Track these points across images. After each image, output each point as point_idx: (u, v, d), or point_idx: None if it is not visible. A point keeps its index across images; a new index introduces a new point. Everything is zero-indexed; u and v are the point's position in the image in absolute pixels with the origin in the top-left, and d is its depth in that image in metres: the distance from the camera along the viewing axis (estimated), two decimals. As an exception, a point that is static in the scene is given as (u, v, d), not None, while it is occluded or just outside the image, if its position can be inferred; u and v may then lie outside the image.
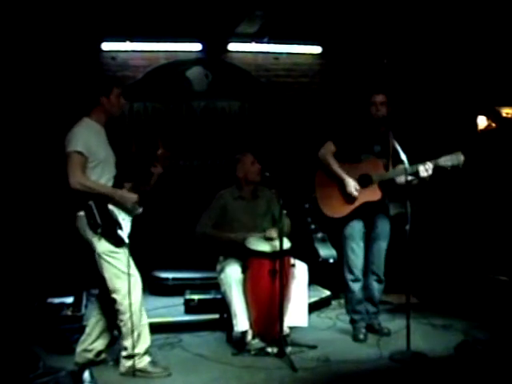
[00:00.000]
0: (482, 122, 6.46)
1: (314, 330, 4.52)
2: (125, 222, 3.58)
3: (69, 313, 4.55)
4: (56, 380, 3.09)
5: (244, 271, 4.12)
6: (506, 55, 5.87)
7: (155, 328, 4.03)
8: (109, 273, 3.53)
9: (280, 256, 3.96)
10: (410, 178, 4.03)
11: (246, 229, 4.34)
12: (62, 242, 5.27)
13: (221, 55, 6.56)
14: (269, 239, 4.17)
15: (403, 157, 3.94)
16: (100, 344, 3.73)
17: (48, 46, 5.82)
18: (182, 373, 3.66)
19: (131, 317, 3.51)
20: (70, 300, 4.78)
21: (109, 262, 3.52)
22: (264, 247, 4.12)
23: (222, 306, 4.35)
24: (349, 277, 4.40)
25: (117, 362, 3.67)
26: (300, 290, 4.21)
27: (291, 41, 6.62)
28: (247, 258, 4.12)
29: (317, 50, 6.75)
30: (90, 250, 3.55)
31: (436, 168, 4.03)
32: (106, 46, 6.20)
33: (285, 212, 4.15)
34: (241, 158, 4.50)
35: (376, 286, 4.45)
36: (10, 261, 5.11)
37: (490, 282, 5.33)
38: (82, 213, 3.50)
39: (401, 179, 4.13)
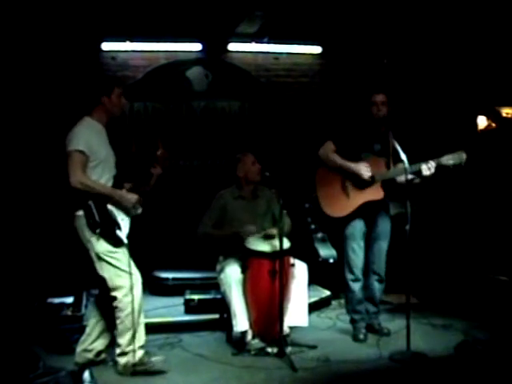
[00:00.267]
0: (482, 121, 6.46)
1: (314, 330, 4.52)
2: (124, 222, 3.58)
3: (69, 313, 4.55)
4: (56, 380, 3.09)
5: (244, 271, 4.12)
6: (506, 55, 5.87)
7: (155, 328, 4.04)
8: (109, 273, 3.54)
9: (280, 256, 3.96)
10: (411, 176, 4.03)
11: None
12: (61, 242, 5.26)
13: (221, 55, 6.57)
14: (268, 236, 4.17)
15: (403, 156, 3.94)
16: (100, 344, 3.73)
17: (48, 46, 5.82)
18: (182, 373, 3.66)
19: (130, 314, 3.51)
20: (70, 300, 4.77)
21: (108, 262, 3.52)
22: (264, 247, 4.12)
23: (222, 306, 4.35)
24: (349, 277, 4.40)
25: (116, 362, 3.67)
26: (300, 290, 4.21)
27: (291, 41, 6.62)
28: (247, 258, 4.12)
29: (317, 50, 6.75)
30: (88, 250, 3.55)
31: (438, 167, 4.03)
32: (106, 46, 6.20)
33: (285, 212, 4.15)
34: (241, 157, 4.51)
35: (377, 286, 4.44)
36: (10, 261, 5.11)
37: (490, 282, 5.33)
38: (80, 212, 3.50)
39: (401, 178, 4.13)
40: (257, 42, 6.50)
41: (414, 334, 3.90)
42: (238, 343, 4.13)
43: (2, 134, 5.58)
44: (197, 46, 6.45)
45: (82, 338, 3.74)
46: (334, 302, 5.49)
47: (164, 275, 5.58)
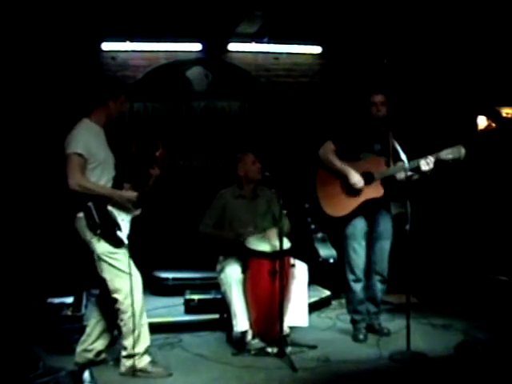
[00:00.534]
0: (482, 121, 6.45)
1: (313, 330, 4.52)
2: (124, 222, 3.58)
3: (69, 313, 4.55)
4: (56, 380, 3.09)
5: (244, 271, 4.12)
6: (506, 55, 5.87)
7: (155, 328, 4.04)
8: (109, 274, 3.53)
9: (280, 256, 3.96)
10: (410, 173, 4.03)
11: (246, 227, 4.35)
12: (61, 243, 5.27)
13: (221, 55, 6.57)
14: (268, 237, 4.17)
15: (403, 156, 3.94)
16: (100, 344, 3.73)
17: (48, 46, 5.82)
18: (182, 373, 3.66)
19: (132, 316, 3.52)
20: (70, 300, 4.77)
21: (109, 263, 3.52)
22: (264, 247, 4.12)
23: (222, 305, 4.35)
24: (350, 277, 4.39)
25: (117, 362, 3.66)
26: (300, 290, 4.21)
27: (291, 41, 6.62)
28: (247, 258, 4.12)
29: (317, 50, 6.75)
30: (89, 250, 3.55)
31: (438, 162, 4.03)
32: (106, 46, 6.20)
33: (285, 212, 4.15)
34: (242, 156, 4.52)
35: (379, 287, 4.43)
36: (10, 261, 5.11)
37: (490, 281, 5.32)
38: (81, 214, 3.50)
39: (401, 175, 4.13)
40: (257, 42, 6.49)
41: (414, 334, 3.90)
42: (238, 343, 4.13)
43: (2, 135, 5.58)
44: (197, 46, 6.45)
45: (82, 338, 3.74)
46: (334, 302, 5.49)
47: (164, 275, 5.58)
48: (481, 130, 6.45)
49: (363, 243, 4.37)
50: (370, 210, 4.34)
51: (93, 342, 3.71)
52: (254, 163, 4.48)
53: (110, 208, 3.52)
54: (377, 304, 4.47)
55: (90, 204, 3.45)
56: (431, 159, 4.03)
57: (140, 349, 3.56)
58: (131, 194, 3.59)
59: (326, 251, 5.74)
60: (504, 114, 6.35)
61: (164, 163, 3.78)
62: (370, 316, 4.46)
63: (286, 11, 5.72)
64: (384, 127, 4.28)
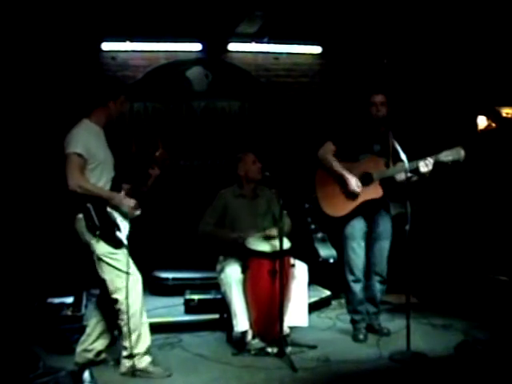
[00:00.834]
0: (482, 121, 6.46)
1: (313, 330, 4.52)
2: (123, 223, 3.57)
3: (69, 313, 4.55)
4: (56, 380, 3.09)
5: (244, 271, 4.12)
6: (505, 55, 5.87)
7: (155, 328, 4.04)
8: (110, 274, 3.53)
9: (280, 256, 3.96)
10: (410, 174, 4.03)
11: (246, 227, 4.35)
12: (61, 243, 5.26)
13: (221, 55, 6.57)
14: (268, 237, 4.17)
15: (403, 156, 3.94)
16: (100, 344, 3.73)
17: (48, 46, 5.82)
18: (182, 373, 3.66)
19: (132, 316, 3.51)
20: (70, 300, 4.78)
21: (109, 264, 3.52)
22: (264, 247, 4.12)
23: (222, 305, 4.35)
24: (350, 277, 4.39)
25: (117, 362, 3.67)
26: (300, 290, 4.21)
27: (291, 41, 6.62)
28: (247, 258, 4.12)
29: (317, 50, 6.75)
30: (89, 251, 3.55)
31: (437, 164, 4.03)
32: (106, 46, 6.20)
33: (285, 212, 4.15)
34: (242, 156, 4.53)
35: (378, 287, 4.43)
36: (10, 261, 5.11)
37: (490, 281, 5.32)
38: (81, 215, 3.50)
39: (401, 176, 4.13)
40: (257, 42, 6.49)
41: (414, 334, 3.90)
42: (238, 343, 4.13)
43: (2, 135, 5.58)
44: (197, 46, 6.45)
45: (82, 338, 3.74)
46: (333, 302, 5.49)
47: (164, 275, 5.58)
48: (481, 130, 6.45)
49: (362, 244, 4.37)
50: (369, 211, 4.34)
51: (93, 341, 3.71)
52: (254, 163, 4.48)
53: (108, 209, 3.51)
54: (376, 304, 4.47)
55: (89, 205, 3.45)
56: (430, 161, 4.03)
57: (140, 349, 3.56)
58: (130, 201, 3.59)
59: (326, 251, 5.74)
60: (504, 114, 6.36)
61: (164, 163, 3.78)
62: (370, 316, 4.46)
63: (286, 11, 5.72)
64: (384, 127, 4.28)
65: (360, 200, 4.28)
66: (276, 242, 4.01)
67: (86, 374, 3.21)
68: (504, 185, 5.83)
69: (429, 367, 3.69)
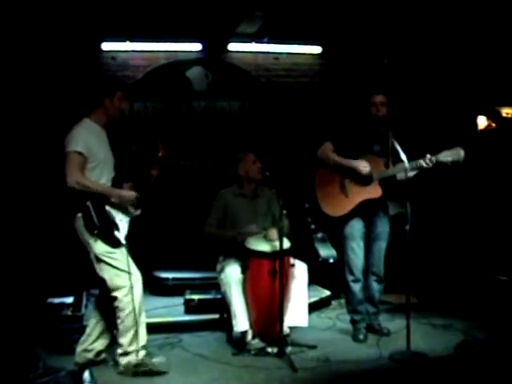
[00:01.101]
0: (482, 122, 6.46)
1: (313, 330, 4.52)
2: (122, 223, 3.58)
3: (69, 313, 4.55)
4: (56, 380, 3.09)
5: (244, 271, 4.12)
6: (505, 55, 5.87)
7: (155, 328, 4.04)
8: (109, 273, 3.53)
9: (280, 256, 3.96)
10: (411, 173, 4.03)
11: (248, 226, 4.35)
12: (61, 243, 5.26)
13: (221, 55, 6.57)
14: (269, 240, 4.17)
15: (403, 157, 3.95)
16: (100, 344, 3.73)
17: (48, 46, 5.82)
18: (182, 373, 3.66)
19: (130, 314, 3.51)
20: (70, 300, 4.78)
21: (107, 263, 3.52)
22: (264, 247, 4.12)
23: (222, 305, 4.35)
24: (349, 277, 4.39)
25: (117, 363, 3.67)
26: (300, 290, 4.22)
27: (291, 41, 6.62)
28: (247, 258, 4.12)
29: (317, 50, 6.75)
30: (88, 251, 3.55)
31: (437, 164, 4.03)
32: (106, 46, 6.21)
33: (285, 212, 4.15)
34: (243, 156, 4.54)
35: (376, 287, 4.44)
36: (10, 261, 5.11)
37: (490, 281, 5.32)
38: (80, 214, 3.50)
39: (402, 175, 4.13)
40: (257, 42, 6.50)
41: (414, 334, 3.90)
42: (238, 343, 4.13)
43: (2, 135, 5.58)
44: (197, 46, 6.45)
45: (82, 338, 3.74)
46: (333, 302, 5.49)
47: (164, 275, 5.58)
48: (481, 130, 6.45)
49: (361, 244, 4.38)
50: (367, 212, 4.35)
51: (93, 341, 3.71)
52: (254, 163, 4.49)
53: (107, 208, 3.51)
54: (375, 304, 4.47)
55: (88, 204, 3.45)
56: (432, 159, 4.03)
57: (135, 347, 3.55)
58: (130, 194, 3.59)
59: (326, 251, 5.74)
60: (504, 114, 6.36)
61: (166, 162, 3.78)
62: (370, 316, 4.46)
63: (285, 11, 5.72)
64: (384, 127, 4.28)
65: (359, 199, 4.28)
66: (276, 242, 4.01)
67: (86, 374, 3.21)
68: (504, 185, 5.83)
69: (429, 367, 3.69)
